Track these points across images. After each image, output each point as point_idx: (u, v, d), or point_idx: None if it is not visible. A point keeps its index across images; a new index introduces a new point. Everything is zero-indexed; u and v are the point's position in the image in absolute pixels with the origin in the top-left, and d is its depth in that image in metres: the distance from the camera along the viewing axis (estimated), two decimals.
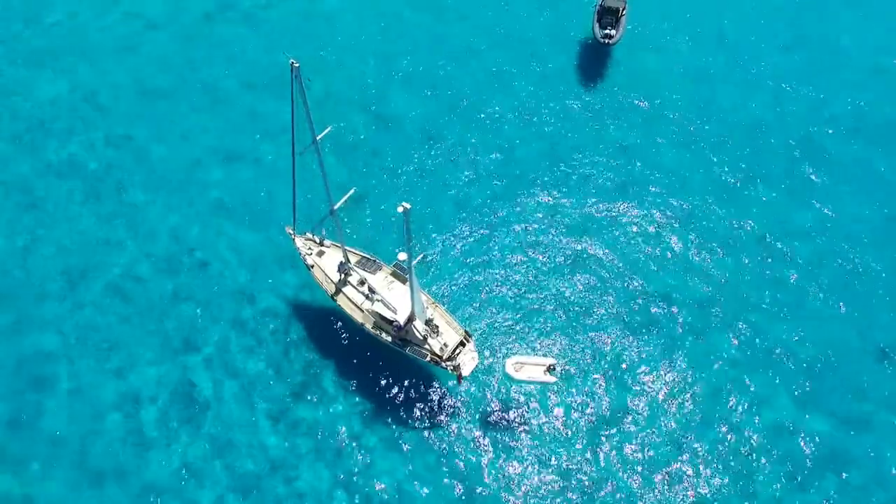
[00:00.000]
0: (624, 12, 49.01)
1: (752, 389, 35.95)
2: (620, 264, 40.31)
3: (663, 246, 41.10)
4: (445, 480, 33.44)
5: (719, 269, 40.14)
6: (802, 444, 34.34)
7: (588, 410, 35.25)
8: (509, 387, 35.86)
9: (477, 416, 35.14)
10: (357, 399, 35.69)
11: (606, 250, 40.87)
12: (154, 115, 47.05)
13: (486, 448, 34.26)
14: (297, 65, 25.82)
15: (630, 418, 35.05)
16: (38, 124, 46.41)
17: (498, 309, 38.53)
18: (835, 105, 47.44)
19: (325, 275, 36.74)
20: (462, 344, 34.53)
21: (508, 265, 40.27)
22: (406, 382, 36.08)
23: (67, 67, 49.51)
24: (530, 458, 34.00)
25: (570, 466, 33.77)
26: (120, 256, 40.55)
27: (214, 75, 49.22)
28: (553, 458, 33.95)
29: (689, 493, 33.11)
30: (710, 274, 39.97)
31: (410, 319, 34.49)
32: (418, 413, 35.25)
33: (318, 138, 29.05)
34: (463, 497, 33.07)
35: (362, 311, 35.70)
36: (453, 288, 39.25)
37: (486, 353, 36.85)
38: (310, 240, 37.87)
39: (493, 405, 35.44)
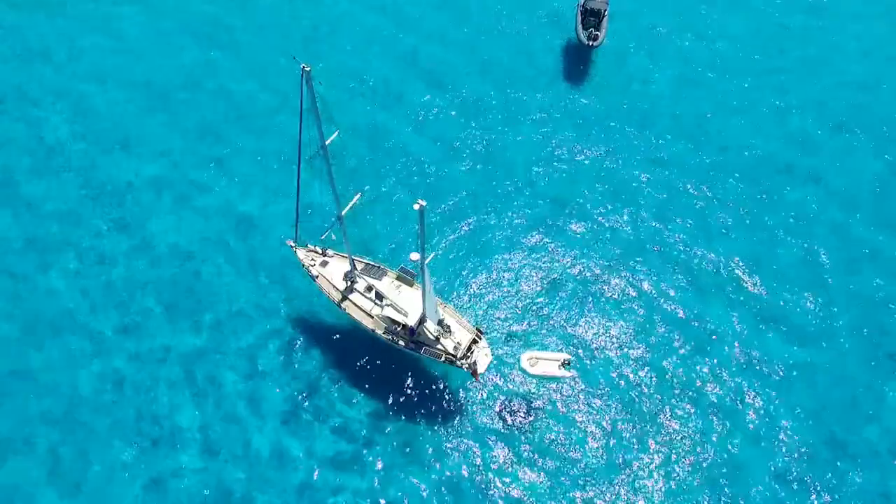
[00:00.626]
0: (606, 14, 49.95)
1: (772, 388, 36.59)
2: (628, 261, 40.94)
3: (665, 244, 41.91)
4: (465, 477, 33.38)
5: (722, 269, 40.98)
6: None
7: (604, 405, 35.50)
8: (525, 382, 35.99)
9: (495, 412, 35.19)
10: (373, 404, 35.54)
11: (615, 249, 41.57)
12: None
13: (504, 443, 34.27)
14: (307, 68, 25.82)
15: (647, 412, 35.37)
16: None
17: (510, 305, 38.79)
18: (828, 107, 49.01)
19: (331, 284, 36.64)
20: (475, 341, 34.64)
21: (516, 262, 40.63)
22: (421, 383, 36.05)
23: None
24: (549, 452, 34.08)
25: (589, 459, 33.94)
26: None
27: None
28: (572, 452, 34.08)
29: (706, 486, 33.43)
30: (714, 273, 40.77)
31: (422, 321, 34.55)
32: (435, 413, 35.17)
33: (326, 143, 29.03)
34: (482, 493, 32.97)
35: (372, 318, 35.63)
36: (462, 286, 39.45)
37: (502, 348, 36.99)
38: (311, 251, 37.76)
39: (509, 400, 35.52)
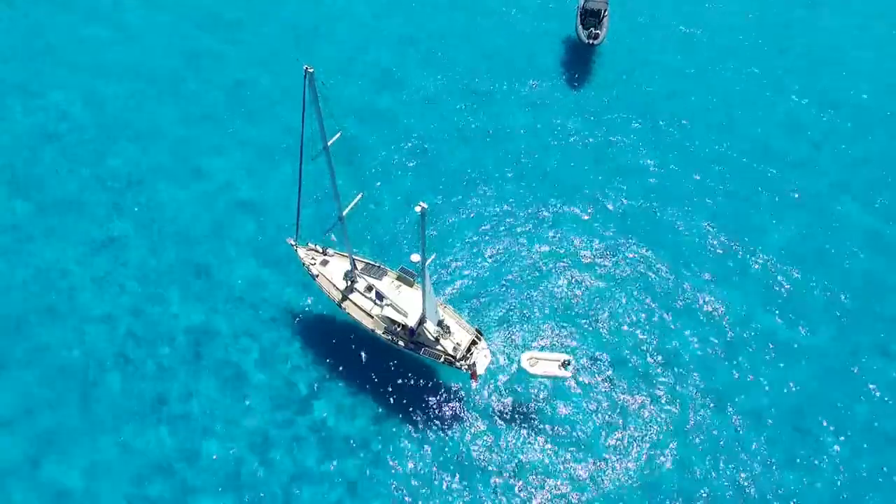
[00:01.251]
0: (606, 13, 50.24)
1: (766, 379, 36.83)
2: (629, 262, 41.06)
3: (665, 242, 42.02)
4: (465, 478, 33.51)
5: (725, 269, 41.17)
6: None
7: (604, 405, 35.62)
8: (525, 382, 36.10)
9: (495, 412, 35.29)
10: (372, 404, 35.61)
11: (614, 249, 41.68)
12: None
13: (504, 444, 34.41)
14: (311, 70, 25.84)
15: (647, 411, 35.50)
16: None
17: (510, 305, 38.89)
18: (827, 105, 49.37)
19: (331, 283, 36.72)
20: (474, 342, 34.77)
21: (516, 263, 40.70)
22: (420, 384, 36.15)
23: None
24: (549, 452, 34.22)
25: (590, 459, 34.08)
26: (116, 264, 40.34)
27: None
28: (571, 452, 34.22)
29: (705, 487, 33.60)
30: (719, 273, 40.92)
31: (422, 321, 34.66)
32: (434, 413, 35.29)
33: (329, 143, 29.08)
34: (482, 494, 33.13)
35: (372, 318, 35.73)
36: (462, 286, 39.52)
37: (501, 349, 37.10)
38: (312, 250, 37.83)
39: (509, 400, 35.63)
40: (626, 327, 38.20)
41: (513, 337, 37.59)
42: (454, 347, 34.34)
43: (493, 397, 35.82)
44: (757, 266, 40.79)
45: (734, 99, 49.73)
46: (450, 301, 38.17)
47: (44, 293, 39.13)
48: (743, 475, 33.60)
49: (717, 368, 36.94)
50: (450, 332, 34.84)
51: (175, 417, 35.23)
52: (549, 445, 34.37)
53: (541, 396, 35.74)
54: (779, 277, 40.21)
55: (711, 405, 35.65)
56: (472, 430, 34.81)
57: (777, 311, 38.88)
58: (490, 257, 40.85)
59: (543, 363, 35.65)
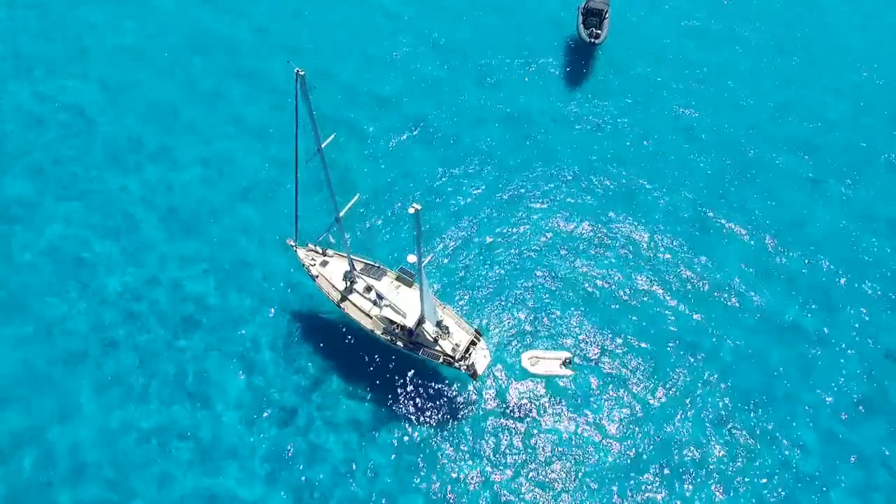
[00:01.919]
0: (607, 14, 50.40)
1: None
2: (629, 256, 40.85)
3: (667, 239, 41.73)
4: (465, 478, 33.45)
5: (727, 270, 40.83)
6: None
7: (607, 402, 35.45)
8: (526, 382, 35.97)
9: (496, 413, 35.19)
10: (371, 404, 35.58)
11: (614, 243, 41.48)
12: None
13: (505, 444, 34.31)
14: (301, 73, 25.79)
15: (648, 409, 35.30)
16: None
17: (510, 304, 38.74)
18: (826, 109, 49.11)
19: (331, 284, 36.72)
20: (473, 343, 34.66)
21: (515, 262, 40.56)
22: (421, 384, 36.10)
23: None
24: (550, 451, 34.11)
25: (591, 459, 33.94)
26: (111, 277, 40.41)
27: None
28: (574, 451, 34.08)
29: (708, 484, 33.40)
30: (720, 270, 40.65)
31: (420, 322, 34.59)
32: (435, 414, 35.24)
33: (322, 146, 29.03)
34: (482, 494, 33.06)
35: (371, 318, 35.71)
36: (462, 286, 39.40)
37: (502, 349, 36.99)
38: (312, 250, 37.84)
39: (510, 400, 35.52)
40: (629, 327, 37.97)
41: (513, 336, 37.47)
42: (453, 348, 34.25)
43: (494, 397, 35.70)
44: (782, 259, 40.72)
45: (734, 97, 49.53)
46: (449, 303, 38.04)
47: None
48: (761, 478, 33.42)
49: (727, 361, 36.73)
50: (449, 333, 34.75)
51: (172, 417, 35.42)
52: (549, 445, 34.24)
53: (542, 395, 35.60)
54: (803, 271, 40.10)
55: (720, 410, 35.38)
56: (473, 431, 34.71)
57: (806, 309, 38.73)
58: (491, 260, 40.69)
59: (545, 362, 35.51)
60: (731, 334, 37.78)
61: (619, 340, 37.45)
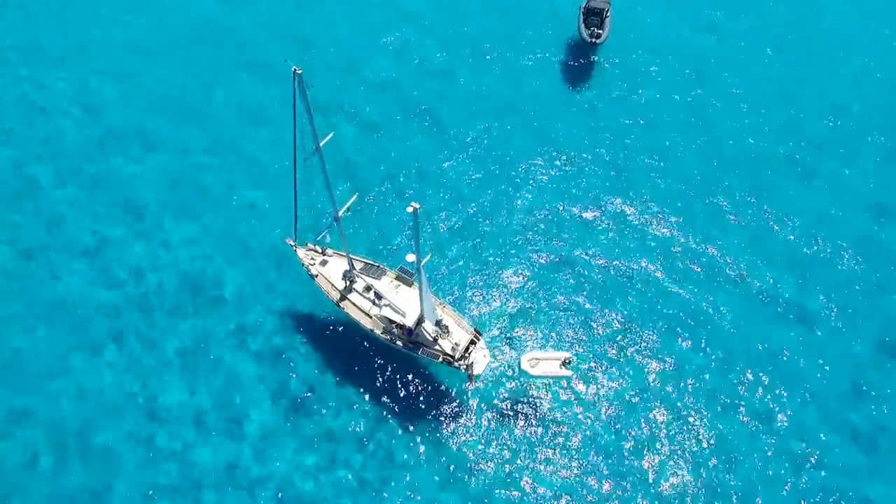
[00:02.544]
0: (608, 13, 50.23)
1: (766, 380, 36.40)
2: (627, 255, 40.77)
3: (666, 239, 41.67)
4: (465, 478, 33.38)
5: (726, 269, 40.77)
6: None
7: (606, 402, 35.39)
8: (526, 382, 35.90)
9: (495, 412, 35.13)
10: (371, 404, 35.54)
11: (612, 242, 41.48)
12: None
13: (505, 444, 34.24)
14: (299, 71, 25.75)
15: (650, 409, 35.20)
16: None
17: (510, 305, 38.67)
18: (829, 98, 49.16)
19: (330, 283, 36.67)
20: (473, 342, 34.58)
21: (515, 261, 40.49)
22: (420, 384, 36.04)
23: None
24: (550, 451, 34.04)
25: (592, 458, 33.86)
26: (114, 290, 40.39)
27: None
28: (575, 451, 34.01)
29: (708, 484, 33.30)
30: (719, 269, 40.62)
31: (420, 321, 34.53)
32: (433, 413, 35.17)
33: (321, 144, 28.97)
34: (482, 494, 32.98)
35: (370, 317, 35.65)
36: (462, 286, 39.35)
37: (502, 349, 36.90)
38: (311, 250, 37.80)
39: (510, 401, 35.45)
40: (629, 326, 37.88)
41: (513, 336, 37.38)
42: (452, 347, 34.18)
43: (494, 397, 35.63)
44: (783, 245, 41.16)
45: (734, 95, 49.51)
46: (449, 303, 37.98)
47: None
48: (759, 478, 33.37)
49: (722, 369, 36.61)
50: (448, 332, 34.67)
51: (172, 416, 35.42)
52: (550, 445, 34.15)
53: (541, 395, 35.51)
54: (799, 286, 39.94)
55: (719, 408, 35.33)
56: (472, 431, 34.65)
57: (792, 322, 38.58)
58: (491, 260, 40.62)
59: (544, 363, 35.40)
60: (733, 327, 37.73)
61: (622, 341, 37.34)
